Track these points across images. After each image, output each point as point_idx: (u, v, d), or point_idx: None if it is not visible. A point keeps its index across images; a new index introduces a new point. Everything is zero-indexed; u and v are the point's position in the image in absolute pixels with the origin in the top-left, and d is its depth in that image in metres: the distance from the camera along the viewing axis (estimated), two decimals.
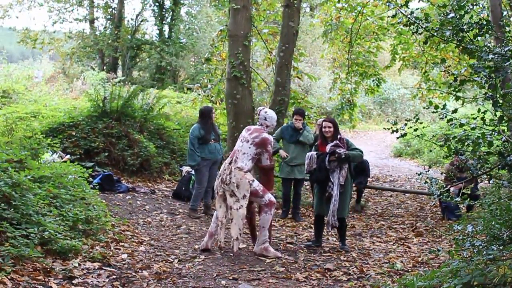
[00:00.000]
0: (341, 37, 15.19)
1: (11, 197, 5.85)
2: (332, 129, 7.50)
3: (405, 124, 4.23)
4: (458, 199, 4.30)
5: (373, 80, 15.61)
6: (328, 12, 15.20)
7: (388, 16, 11.53)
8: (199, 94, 16.03)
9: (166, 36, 26.34)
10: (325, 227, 7.65)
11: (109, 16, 26.97)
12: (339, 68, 16.73)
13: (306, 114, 12.80)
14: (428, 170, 5.40)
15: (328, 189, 7.36)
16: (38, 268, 5.39)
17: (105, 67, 25.64)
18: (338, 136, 7.54)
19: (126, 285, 5.49)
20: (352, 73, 15.44)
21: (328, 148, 7.47)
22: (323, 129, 7.56)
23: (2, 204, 5.69)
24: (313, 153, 7.63)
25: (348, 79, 15.51)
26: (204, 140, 9.30)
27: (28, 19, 79.57)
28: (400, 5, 4.11)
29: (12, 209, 5.76)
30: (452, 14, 3.97)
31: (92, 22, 27.32)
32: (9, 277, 5.01)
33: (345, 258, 7.05)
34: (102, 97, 12.06)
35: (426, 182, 5.45)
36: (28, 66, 24.80)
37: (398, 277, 6.00)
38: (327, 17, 15.29)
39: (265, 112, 7.16)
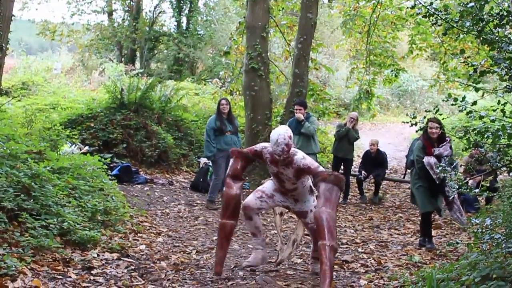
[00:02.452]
0: (359, 27, 15.10)
1: (30, 188, 5.90)
2: (438, 130, 7.07)
3: (424, 117, 4.20)
4: (477, 191, 4.26)
5: (392, 71, 15.51)
6: (346, 2, 15.11)
7: (407, 7, 11.42)
8: (219, 88, 16.07)
9: (184, 27, 26.34)
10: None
11: (127, 8, 27.04)
12: (356, 58, 16.66)
13: (324, 105, 12.77)
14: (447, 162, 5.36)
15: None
16: (57, 259, 5.44)
17: (123, 59, 25.71)
18: (447, 138, 7.16)
19: (144, 275, 5.52)
20: (369, 64, 15.37)
21: (436, 151, 7.09)
22: (429, 130, 7.11)
23: (22, 195, 5.74)
24: (431, 160, 7.05)
25: (366, 69, 15.43)
26: (220, 131, 9.32)
27: (47, 11, 79.98)
28: None
29: (32, 200, 5.81)
30: (472, 4, 3.93)
31: (110, 14, 27.41)
32: (29, 267, 5.06)
33: (362, 250, 7.03)
34: (120, 89, 12.11)
35: (444, 175, 5.40)
36: (47, 58, 24.94)
37: (416, 269, 5.97)
38: (346, 7, 15.21)
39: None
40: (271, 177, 5.88)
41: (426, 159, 7.07)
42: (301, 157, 5.41)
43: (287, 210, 6.17)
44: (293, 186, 5.58)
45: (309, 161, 5.45)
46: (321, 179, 5.19)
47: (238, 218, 5.72)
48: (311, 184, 5.73)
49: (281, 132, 5.30)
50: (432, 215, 7.64)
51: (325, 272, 4.80)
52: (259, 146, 5.71)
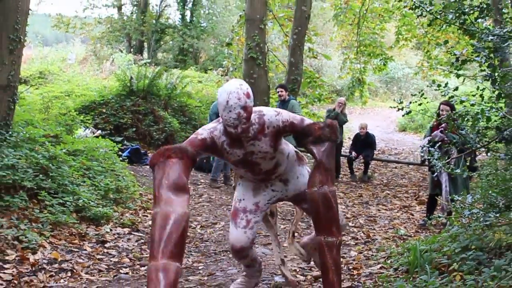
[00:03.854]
0: (349, 19, 15.05)
1: (48, 169, 5.91)
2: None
3: (410, 102, 4.19)
4: (458, 170, 4.26)
5: (380, 60, 15.50)
6: None
7: (395, 0, 11.37)
8: (222, 76, 16.04)
9: (188, 20, 26.21)
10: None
11: (135, 2, 26.85)
12: (348, 48, 16.62)
13: (319, 91, 12.74)
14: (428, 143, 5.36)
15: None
16: (73, 233, 5.46)
17: (132, 50, 25.61)
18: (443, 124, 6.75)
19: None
20: (360, 54, 15.35)
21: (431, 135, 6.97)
22: (440, 112, 6.87)
23: (41, 175, 5.75)
24: (423, 142, 6.85)
25: (357, 59, 15.41)
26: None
27: (61, 5, 79.36)
28: None
29: (50, 180, 5.82)
30: None
31: (119, 8, 27.23)
32: (48, 241, 5.09)
33: (353, 225, 7.06)
34: (129, 77, 12.09)
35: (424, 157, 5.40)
36: (61, 49, 24.81)
37: (402, 241, 6.00)
38: (337, 1, 15.14)
39: None
40: (237, 176, 3.90)
41: (421, 142, 6.97)
42: (273, 113, 3.36)
43: (279, 208, 4.54)
44: (272, 162, 3.48)
45: (286, 114, 3.40)
46: (314, 139, 3.32)
47: (183, 256, 3.22)
48: (293, 148, 3.77)
49: (232, 89, 3.12)
50: (416, 192, 7.65)
51: (333, 284, 3.15)
52: (204, 133, 3.32)
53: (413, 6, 3.96)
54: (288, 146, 3.64)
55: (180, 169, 3.06)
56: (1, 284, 4.24)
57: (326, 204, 3.22)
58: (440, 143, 6.40)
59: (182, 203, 2.96)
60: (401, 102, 4.25)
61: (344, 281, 4.15)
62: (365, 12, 14.36)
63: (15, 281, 4.30)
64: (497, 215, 3.73)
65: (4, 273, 4.36)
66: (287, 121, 3.35)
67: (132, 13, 27.06)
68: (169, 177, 3.02)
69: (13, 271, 4.43)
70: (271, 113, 3.35)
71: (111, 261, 5.12)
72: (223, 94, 3.14)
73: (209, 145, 3.29)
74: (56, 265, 4.75)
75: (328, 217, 3.23)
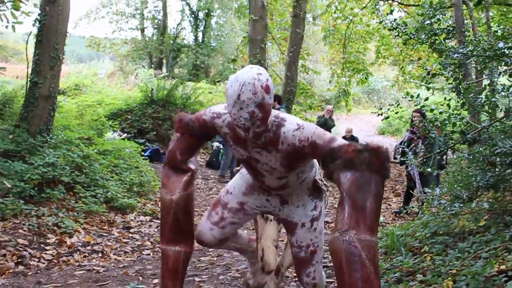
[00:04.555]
0: (337, 40, 15.06)
1: (82, 166, 5.93)
2: (418, 118, 6.59)
3: (388, 109, 4.19)
4: (429, 169, 4.26)
5: (363, 74, 15.52)
6: (326, 20, 15.05)
7: (376, 22, 11.36)
8: None
9: (200, 40, 26.22)
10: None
11: (155, 26, 26.87)
12: (335, 65, 16.63)
13: (310, 100, 12.71)
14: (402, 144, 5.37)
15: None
16: (103, 220, 5.47)
17: (152, 65, 25.61)
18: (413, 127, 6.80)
19: None
20: (346, 69, 15.37)
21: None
22: (413, 118, 6.85)
23: (76, 172, 5.77)
24: (396, 144, 6.82)
25: (343, 73, 15.43)
26: None
27: (93, 28, 79.60)
28: (386, 13, 4.06)
29: (83, 175, 5.84)
30: (428, 21, 3.91)
31: (142, 30, 27.26)
32: (82, 227, 5.10)
33: None
34: (150, 88, 12.11)
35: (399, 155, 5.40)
36: (93, 65, 24.85)
37: (381, 227, 6.00)
38: (326, 24, 15.15)
39: None
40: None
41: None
42: (293, 126, 2.09)
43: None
44: (280, 182, 2.33)
45: (309, 130, 2.07)
46: (345, 163, 1.94)
47: (193, 240, 2.53)
48: (319, 175, 2.49)
49: (247, 79, 1.96)
50: (393, 185, 7.64)
51: None
52: (207, 114, 2.37)
53: (391, 28, 3.96)
54: (311, 169, 2.40)
55: (179, 149, 2.42)
56: (43, 263, 4.25)
57: (351, 261, 1.80)
58: (410, 141, 6.42)
59: (180, 183, 2.39)
60: (381, 109, 4.25)
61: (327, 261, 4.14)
62: (349, 34, 14.38)
63: (55, 261, 4.32)
64: (461, 205, 3.73)
65: (45, 253, 4.38)
66: (307, 140, 2.03)
67: (153, 34, 27.09)
68: (172, 152, 2.44)
69: (53, 252, 4.45)
70: (291, 126, 2.09)
71: (135, 244, 5.13)
72: (234, 85, 1.97)
73: (210, 128, 2.34)
74: (89, 247, 4.76)
75: (353, 281, 1.79)
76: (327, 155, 2.01)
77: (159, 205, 6.67)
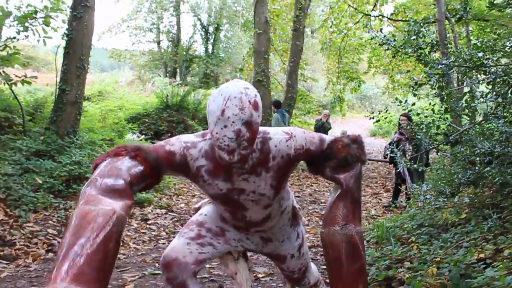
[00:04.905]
0: (333, 52, 15.07)
1: None
2: (405, 121, 6.53)
3: (379, 113, 4.19)
4: (415, 166, 4.26)
5: (356, 82, 15.51)
6: (323, 34, 15.05)
7: (369, 38, 11.38)
8: None
9: (210, 52, 26.28)
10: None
11: (170, 39, 26.93)
12: (331, 74, 16.64)
13: (309, 105, 12.70)
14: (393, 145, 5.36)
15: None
16: None
17: (167, 74, 25.68)
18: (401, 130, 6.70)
19: (183, 225, 5.55)
20: (341, 77, 15.36)
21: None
22: (401, 122, 6.78)
23: None
24: (385, 144, 6.77)
25: (338, 81, 15.43)
26: None
27: (115, 41, 79.91)
28: (376, 31, 4.07)
29: None
30: (414, 37, 3.92)
31: (158, 43, 27.33)
32: None
33: None
34: (165, 95, 12.14)
35: (390, 154, 5.39)
36: (115, 74, 24.93)
37: (372, 220, 6.00)
38: (323, 37, 15.15)
39: None
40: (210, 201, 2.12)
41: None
42: (282, 136, 1.75)
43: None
44: (264, 212, 1.89)
45: (301, 137, 1.78)
46: (339, 162, 1.80)
47: (108, 280, 1.37)
48: (293, 201, 2.18)
49: (232, 93, 1.53)
50: (384, 182, 7.61)
51: None
52: (176, 145, 1.73)
53: (381, 42, 3.97)
54: (289, 196, 2.06)
55: (125, 168, 1.60)
56: None
57: (351, 253, 1.70)
58: (398, 142, 6.41)
59: (114, 204, 1.48)
60: (372, 113, 4.25)
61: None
62: (344, 46, 14.39)
63: None
64: (445, 200, 3.73)
65: None
66: (302, 148, 1.77)
67: (168, 47, 27.16)
68: (104, 175, 1.55)
69: None
70: (280, 137, 1.75)
71: (152, 234, 5.14)
72: (217, 99, 1.54)
73: (176, 162, 1.71)
74: None
75: (353, 271, 1.69)
76: (318, 157, 1.82)
77: (182, 202, 6.73)
